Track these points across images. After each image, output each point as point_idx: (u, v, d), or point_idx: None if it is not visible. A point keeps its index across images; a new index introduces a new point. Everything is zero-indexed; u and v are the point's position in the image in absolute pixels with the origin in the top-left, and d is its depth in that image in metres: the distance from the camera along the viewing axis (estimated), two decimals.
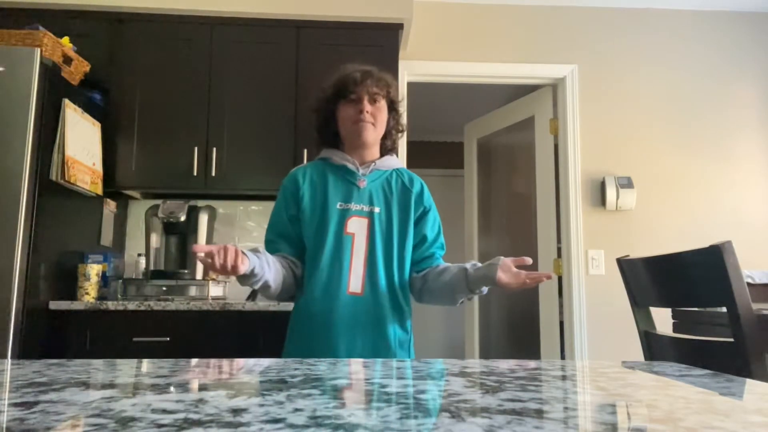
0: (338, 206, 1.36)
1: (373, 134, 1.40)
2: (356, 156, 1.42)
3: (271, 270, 1.26)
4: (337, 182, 1.40)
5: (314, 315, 1.33)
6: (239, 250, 1.16)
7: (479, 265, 1.34)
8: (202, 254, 1.13)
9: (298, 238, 1.38)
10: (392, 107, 1.46)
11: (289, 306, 2.24)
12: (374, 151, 1.45)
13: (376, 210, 1.38)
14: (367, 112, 1.38)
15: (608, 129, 3.14)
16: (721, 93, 3.21)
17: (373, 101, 1.39)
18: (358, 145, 1.41)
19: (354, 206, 1.37)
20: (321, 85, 1.47)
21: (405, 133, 1.54)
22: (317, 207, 1.37)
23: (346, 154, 1.42)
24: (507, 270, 1.26)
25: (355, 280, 1.33)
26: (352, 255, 1.34)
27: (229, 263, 1.13)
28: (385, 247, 1.37)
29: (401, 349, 1.37)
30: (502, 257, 1.29)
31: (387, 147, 1.48)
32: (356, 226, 1.35)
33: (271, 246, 1.39)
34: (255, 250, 1.25)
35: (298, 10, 2.68)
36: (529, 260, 1.27)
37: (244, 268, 1.16)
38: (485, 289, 1.34)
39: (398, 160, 1.50)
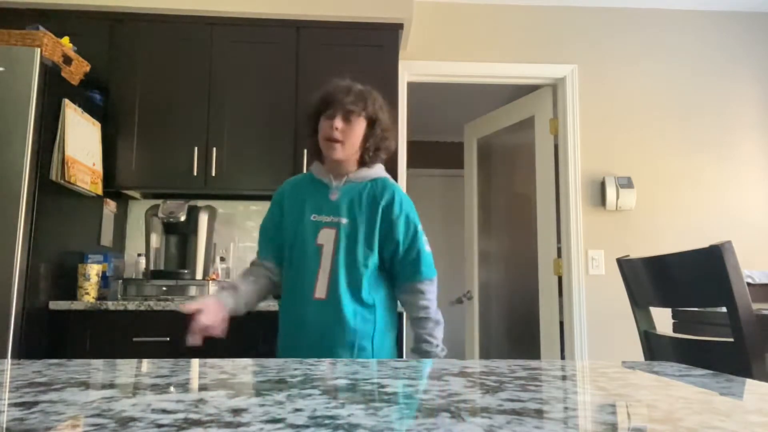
0: (312, 218, 1.44)
1: (341, 153, 1.43)
2: (333, 168, 1.48)
3: (242, 300, 1.45)
4: (313, 195, 1.47)
5: (289, 317, 1.47)
6: (217, 310, 1.34)
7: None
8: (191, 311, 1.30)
9: (281, 244, 1.50)
10: (372, 124, 1.46)
11: None
12: (350, 164, 1.48)
13: (343, 221, 1.43)
14: (337, 129, 1.41)
15: (608, 129, 3.14)
16: (721, 93, 3.21)
17: (346, 119, 1.42)
18: (329, 160, 1.47)
19: (324, 218, 1.44)
20: (310, 98, 1.53)
21: (389, 150, 1.52)
22: (294, 219, 1.47)
23: (323, 167, 1.50)
24: None
25: (321, 287, 1.41)
26: (321, 264, 1.42)
27: (211, 332, 1.32)
28: (348, 256, 1.42)
29: (364, 347, 1.42)
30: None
31: (365, 161, 1.48)
32: (325, 237, 1.43)
33: (259, 249, 1.56)
34: (224, 288, 1.45)
35: (298, 10, 2.68)
36: None
37: (219, 330, 1.34)
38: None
39: (376, 171, 1.50)
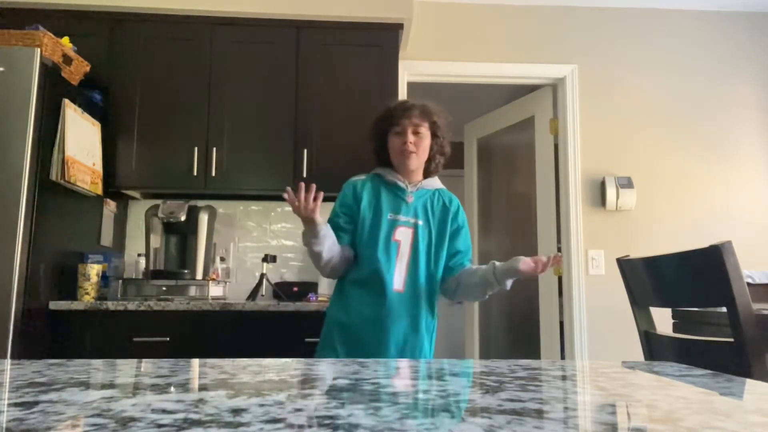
0: (389, 217, 1.60)
1: (416, 161, 1.64)
2: (405, 176, 1.66)
3: (328, 243, 1.53)
4: (389, 196, 1.64)
5: (366, 307, 1.56)
6: (318, 206, 1.47)
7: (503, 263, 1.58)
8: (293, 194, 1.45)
9: (352, 231, 1.63)
10: (435, 134, 1.67)
11: (287, 307, 2.25)
12: (419, 173, 1.69)
13: (420, 223, 1.62)
14: (411, 142, 1.61)
15: (608, 129, 3.14)
16: (721, 93, 3.21)
17: (415, 132, 1.62)
18: (405, 170, 1.65)
19: (402, 218, 1.61)
20: (374, 116, 1.72)
21: (447, 155, 1.73)
22: (372, 215, 1.61)
23: (397, 173, 1.66)
24: (527, 262, 1.51)
25: (398, 279, 1.57)
26: (398, 258, 1.58)
27: (310, 206, 1.45)
28: (425, 253, 1.61)
29: (427, 333, 1.62)
30: (521, 257, 1.53)
31: (430, 170, 1.71)
32: (402, 235, 1.60)
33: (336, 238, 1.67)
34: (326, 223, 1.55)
35: (298, 10, 2.68)
36: (544, 258, 1.49)
37: (317, 216, 1.47)
38: (509, 284, 1.57)
39: (439, 182, 1.73)
